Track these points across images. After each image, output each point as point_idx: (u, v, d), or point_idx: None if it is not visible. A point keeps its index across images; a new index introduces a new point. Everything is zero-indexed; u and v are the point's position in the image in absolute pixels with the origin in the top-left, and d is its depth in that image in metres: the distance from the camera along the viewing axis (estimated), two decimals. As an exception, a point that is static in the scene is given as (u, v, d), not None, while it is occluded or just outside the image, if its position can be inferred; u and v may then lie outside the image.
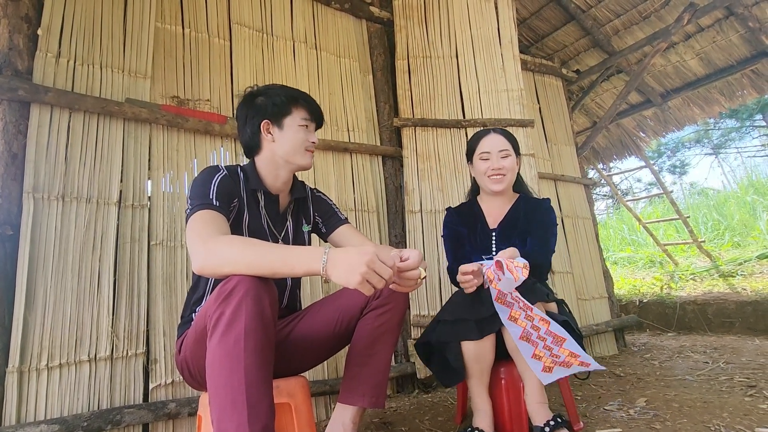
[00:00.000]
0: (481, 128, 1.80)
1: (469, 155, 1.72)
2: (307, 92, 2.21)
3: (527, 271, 1.25)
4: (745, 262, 4.17)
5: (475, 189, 1.80)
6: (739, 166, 12.62)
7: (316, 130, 1.35)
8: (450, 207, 1.79)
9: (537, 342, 1.27)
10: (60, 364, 1.42)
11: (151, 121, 1.76)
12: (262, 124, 1.27)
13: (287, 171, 1.31)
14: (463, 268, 1.33)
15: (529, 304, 1.28)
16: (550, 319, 1.26)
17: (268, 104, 1.27)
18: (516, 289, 1.28)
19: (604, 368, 1.20)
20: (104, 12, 1.76)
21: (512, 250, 1.37)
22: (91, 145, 1.63)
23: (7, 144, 1.46)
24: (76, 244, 1.52)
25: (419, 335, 2.19)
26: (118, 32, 1.78)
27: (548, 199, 1.69)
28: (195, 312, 1.24)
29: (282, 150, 1.27)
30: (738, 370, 2.10)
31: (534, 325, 1.27)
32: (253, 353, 0.89)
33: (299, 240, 1.38)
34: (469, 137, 2.02)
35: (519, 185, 1.74)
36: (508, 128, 2.44)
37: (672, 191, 4.94)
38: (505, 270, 1.23)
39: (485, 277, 1.32)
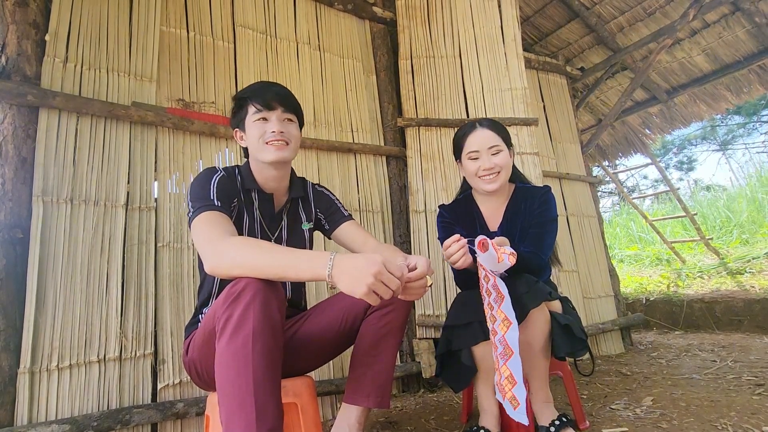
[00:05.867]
0: (468, 121, 1.57)
1: (457, 153, 1.56)
2: (310, 93, 2.25)
3: (514, 259, 1.17)
4: (753, 259, 4.13)
5: (466, 186, 1.66)
6: (747, 162, 12.49)
7: (286, 113, 1.25)
8: (443, 204, 1.63)
9: (495, 346, 1.20)
10: (70, 364, 1.44)
11: (157, 123, 1.78)
12: (234, 132, 1.32)
13: (269, 170, 1.28)
14: (447, 242, 1.26)
15: (502, 292, 1.18)
16: (512, 321, 1.15)
17: (233, 112, 1.30)
18: (505, 281, 1.20)
19: (526, 422, 1.12)
20: (110, 17, 1.78)
21: (502, 239, 1.28)
22: (99, 148, 1.65)
23: (16, 148, 1.49)
24: (84, 246, 1.54)
25: (424, 335, 2.21)
26: (124, 36, 1.79)
27: (547, 188, 1.53)
28: (202, 313, 1.25)
29: (251, 151, 1.29)
30: (746, 369, 2.08)
31: (493, 329, 1.20)
32: (261, 355, 0.90)
33: (295, 239, 1.36)
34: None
35: (514, 175, 1.58)
36: (512, 127, 2.44)
37: (679, 188, 4.92)
38: (490, 247, 1.16)
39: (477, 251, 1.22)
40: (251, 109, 1.24)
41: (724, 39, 3.47)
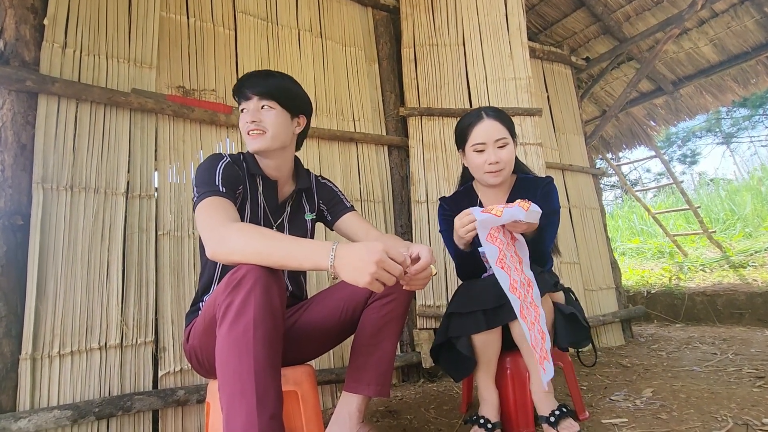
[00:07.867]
0: (472, 110, 1.55)
1: (460, 143, 1.52)
2: (312, 81, 2.23)
3: (526, 204, 1.15)
4: (756, 252, 4.12)
5: (467, 176, 1.64)
6: (752, 156, 12.41)
7: (263, 100, 1.21)
8: (444, 197, 1.62)
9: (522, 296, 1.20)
10: (71, 351, 1.44)
11: (157, 111, 1.76)
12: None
13: (260, 159, 1.30)
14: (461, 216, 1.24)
15: (520, 255, 1.22)
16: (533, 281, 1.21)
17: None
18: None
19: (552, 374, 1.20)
20: (109, 2, 1.75)
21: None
22: (98, 135, 1.64)
23: (15, 135, 1.47)
24: (85, 234, 1.54)
25: (425, 325, 2.21)
26: (123, 22, 1.77)
27: (549, 178, 1.51)
28: (203, 301, 1.25)
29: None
30: (747, 361, 2.08)
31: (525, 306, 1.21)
32: (262, 342, 0.89)
33: (297, 228, 1.36)
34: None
35: (515, 165, 1.54)
36: (515, 117, 2.42)
37: (682, 181, 4.87)
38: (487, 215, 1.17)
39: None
40: (240, 99, 1.26)
41: (732, 29, 3.41)
